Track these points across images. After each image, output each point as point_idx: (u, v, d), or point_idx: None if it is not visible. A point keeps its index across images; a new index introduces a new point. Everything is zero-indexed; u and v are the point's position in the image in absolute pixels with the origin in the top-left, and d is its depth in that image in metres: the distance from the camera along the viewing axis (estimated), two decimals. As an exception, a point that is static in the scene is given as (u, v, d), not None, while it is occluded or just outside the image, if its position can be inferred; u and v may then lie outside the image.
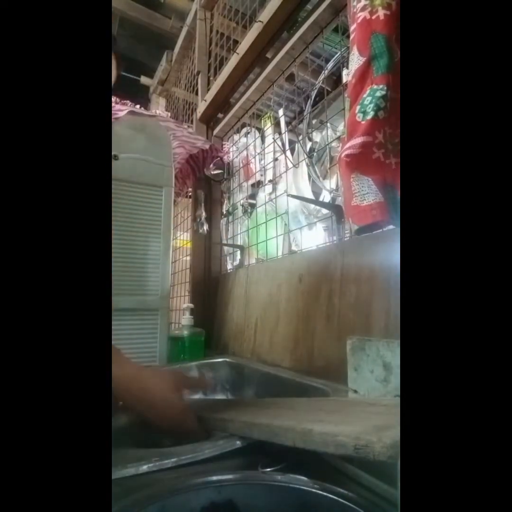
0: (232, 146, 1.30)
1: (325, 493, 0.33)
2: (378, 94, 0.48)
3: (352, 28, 0.53)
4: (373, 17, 0.50)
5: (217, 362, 0.87)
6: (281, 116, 1.27)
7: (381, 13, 0.49)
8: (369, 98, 0.48)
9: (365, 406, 0.38)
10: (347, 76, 0.55)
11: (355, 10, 0.53)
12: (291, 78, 1.07)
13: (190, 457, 0.36)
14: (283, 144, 1.29)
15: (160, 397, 0.33)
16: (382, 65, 0.48)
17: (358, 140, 0.48)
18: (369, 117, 0.48)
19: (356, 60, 0.51)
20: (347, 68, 0.56)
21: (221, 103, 1.25)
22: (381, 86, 0.48)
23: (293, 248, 1.24)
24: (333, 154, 1.09)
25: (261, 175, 1.33)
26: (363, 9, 0.51)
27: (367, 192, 0.48)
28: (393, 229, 0.53)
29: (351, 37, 0.53)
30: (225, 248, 1.27)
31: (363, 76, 0.50)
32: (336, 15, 0.77)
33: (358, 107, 0.49)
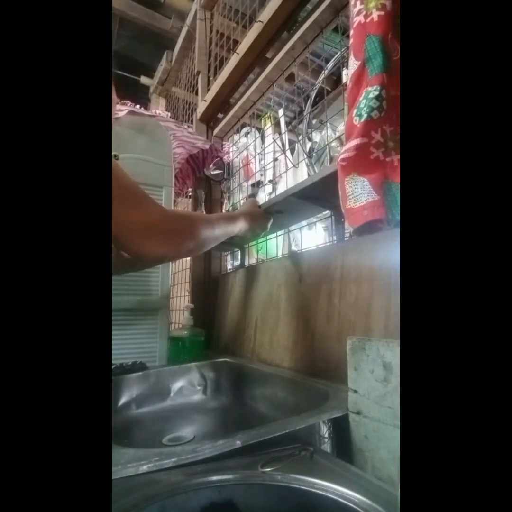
0: (232, 146, 1.30)
1: (325, 493, 0.33)
2: (371, 95, 0.48)
3: (350, 33, 0.54)
4: (367, 20, 0.50)
5: (217, 362, 0.87)
6: (281, 116, 1.27)
7: (375, 15, 0.49)
8: (364, 101, 0.49)
9: None
10: (347, 76, 0.55)
11: (352, 15, 0.53)
12: (291, 78, 1.07)
13: (190, 457, 0.36)
14: (283, 144, 1.29)
15: (255, 211, 0.75)
16: (376, 66, 0.49)
17: (352, 143, 0.48)
18: (363, 119, 0.48)
19: (352, 65, 0.52)
20: (347, 68, 0.57)
21: (221, 103, 1.25)
22: (374, 87, 0.48)
23: (293, 248, 1.24)
24: (332, 154, 1.09)
25: (261, 175, 1.33)
26: (358, 13, 0.51)
27: (360, 194, 0.49)
28: (393, 229, 0.53)
29: (350, 42, 0.54)
30: (225, 248, 1.27)
31: (359, 79, 0.51)
32: (336, 15, 0.77)
33: (354, 111, 0.50)
